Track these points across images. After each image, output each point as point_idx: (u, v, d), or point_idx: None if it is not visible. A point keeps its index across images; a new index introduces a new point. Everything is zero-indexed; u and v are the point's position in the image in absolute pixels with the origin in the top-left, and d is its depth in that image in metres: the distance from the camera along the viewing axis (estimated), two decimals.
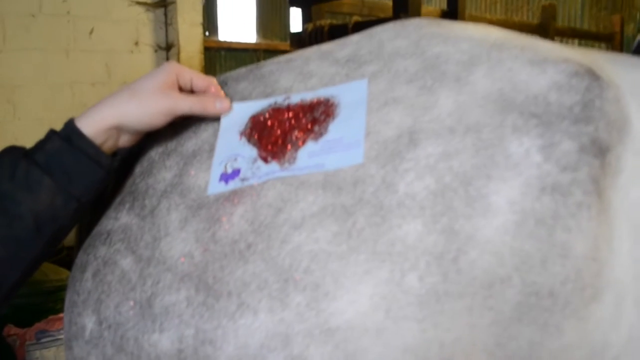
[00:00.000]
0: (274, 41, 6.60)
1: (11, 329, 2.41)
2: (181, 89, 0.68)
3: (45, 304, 2.56)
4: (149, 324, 0.55)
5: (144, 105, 0.64)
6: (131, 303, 0.57)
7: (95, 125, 0.63)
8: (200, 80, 0.68)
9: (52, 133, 0.63)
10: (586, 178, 0.52)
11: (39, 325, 2.43)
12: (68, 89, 4.01)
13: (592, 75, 0.58)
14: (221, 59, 5.97)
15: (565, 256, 0.51)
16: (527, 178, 0.52)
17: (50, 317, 2.46)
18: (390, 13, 3.53)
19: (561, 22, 7.90)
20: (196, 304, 0.54)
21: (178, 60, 4.40)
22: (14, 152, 0.62)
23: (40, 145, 0.62)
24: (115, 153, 0.68)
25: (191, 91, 0.69)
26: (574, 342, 0.53)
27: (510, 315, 0.52)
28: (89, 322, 0.59)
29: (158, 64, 4.45)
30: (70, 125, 0.63)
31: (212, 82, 0.69)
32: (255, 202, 0.58)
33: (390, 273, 0.52)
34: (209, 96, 0.67)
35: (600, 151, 0.54)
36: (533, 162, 0.53)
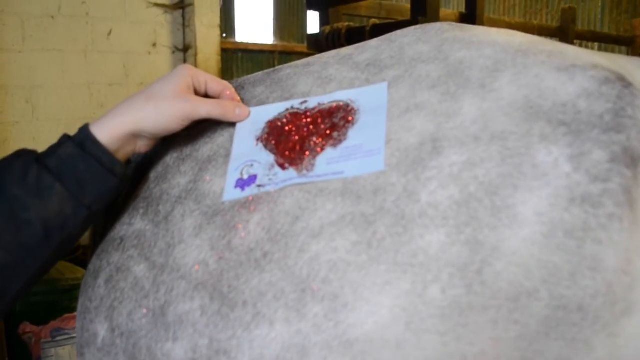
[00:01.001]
0: (291, 43, 6.60)
1: (27, 327, 2.42)
2: (196, 92, 0.66)
3: (60, 302, 2.58)
4: (162, 333, 0.54)
5: (161, 110, 0.62)
6: (144, 311, 0.56)
7: (110, 131, 0.61)
8: (215, 83, 0.67)
9: (65, 138, 0.61)
10: (617, 189, 0.50)
11: (55, 324, 2.44)
12: (86, 90, 4.04)
13: (623, 82, 0.56)
14: (238, 60, 5.98)
15: (595, 269, 0.49)
16: (556, 188, 0.50)
17: (66, 315, 2.47)
18: (408, 16, 3.51)
19: (581, 25, 7.82)
20: (210, 313, 0.53)
21: (195, 61, 4.42)
22: (26, 155, 0.61)
23: (53, 150, 0.61)
24: (129, 160, 0.66)
25: (206, 95, 0.68)
26: (603, 359, 0.51)
27: (537, 330, 0.50)
28: (102, 330, 0.58)
29: (175, 65, 4.47)
30: (84, 131, 0.61)
31: (227, 86, 0.67)
32: (272, 209, 0.56)
33: (411, 284, 0.50)
34: (229, 101, 0.66)
35: (632, 161, 0.51)
36: (562, 172, 0.51)
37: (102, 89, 4.12)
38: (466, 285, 0.50)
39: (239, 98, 0.67)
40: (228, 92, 0.67)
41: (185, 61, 4.49)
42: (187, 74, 0.64)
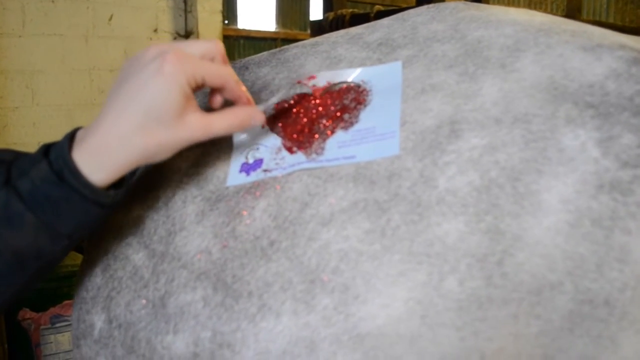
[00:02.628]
0: (294, 30, 6.55)
1: (26, 313, 2.41)
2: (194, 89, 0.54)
3: (60, 289, 2.56)
4: (162, 325, 0.51)
5: (162, 146, 0.50)
6: (143, 301, 0.53)
7: (96, 168, 0.49)
8: (215, 78, 0.53)
9: (42, 154, 0.50)
10: None
11: (54, 310, 2.42)
12: (86, 75, 4.01)
13: None
14: (240, 47, 5.92)
15: (623, 261, 0.46)
16: (583, 174, 0.47)
17: (65, 302, 2.46)
18: (412, 2, 3.47)
19: (586, 15, 7.75)
20: (213, 305, 0.50)
21: None
22: None
23: (27, 167, 0.49)
24: (123, 179, 0.53)
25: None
26: (630, 357, 0.48)
27: (561, 325, 0.47)
28: (98, 321, 0.55)
29: None
30: (62, 157, 0.49)
31: (227, 78, 0.54)
32: (279, 195, 0.53)
33: (427, 276, 0.47)
34: (243, 110, 0.55)
35: None
36: (590, 157, 0.47)
37: (103, 75, 4.08)
38: (485, 277, 0.47)
39: (244, 88, 0.56)
40: (231, 84, 0.54)
41: None
42: (180, 78, 0.49)
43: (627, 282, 0.46)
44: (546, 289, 0.47)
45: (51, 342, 2.42)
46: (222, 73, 0.53)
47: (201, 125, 0.52)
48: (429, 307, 0.46)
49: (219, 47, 0.55)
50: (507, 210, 0.47)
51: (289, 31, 6.48)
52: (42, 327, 2.40)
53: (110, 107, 0.50)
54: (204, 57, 0.53)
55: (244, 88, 0.56)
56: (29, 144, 3.75)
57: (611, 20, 8.09)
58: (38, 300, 2.50)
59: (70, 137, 0.51)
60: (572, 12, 4.59)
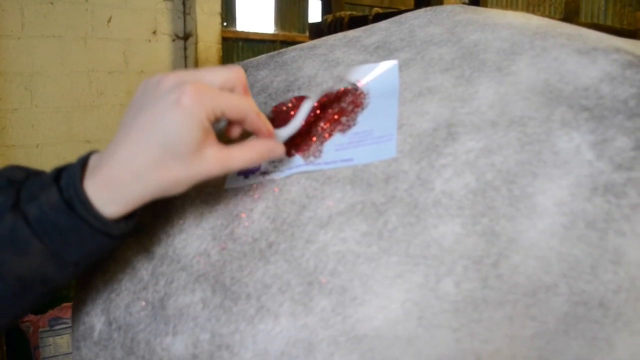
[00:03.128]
0: (292, 33, 6.55)
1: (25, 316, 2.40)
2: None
3: (59, 291, 2.55)
4: (161, 327, 0.52)
5: (179, 182, 0.48)
6: (143, 303, 0.53)
7: (109, 200, 0.47)
8: (235, 111, 0.50)
9: (53, 179, 0.48)
10: None
11: (53, 313, 2.43)
12: (85, 77, 4.02)
13: None
14: (238, 49, 5.93)
15: (618, 263, 0.47)
16: (577, 177, 0.48)
17: (64, 304, 2.46)
18: (411, 5, 3.47)
19: (584, 18, 7.77)
20: (212, 307, 0.50)
21: (195, 50, 4.38)
22: (5, 192, 0.48)
23: (38, 190, 0.48)
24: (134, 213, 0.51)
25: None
26: (625, 358, 0.49)
27: (556, 327, 0.47)
28: (98, 323, 0.56)
29: (176, 53, 4.43)
30: (73, 185, 0.47)
31: (247, 111, 0.51)
32: (277, 198, 0.54)
33: (424, 277, 0.47)
34: (264, 143, 0.52)
35: None
36: (584, 160, 0.48)
37: (102, 77, 4.09)
38: (481, 278, 0.47)
39: (264, 118, 0.53)
40: (253, 118, 0.51)
41: (185, 49, 4.45)
42: (198, 112, 0.47)
43: (621, 284, 0.47)
44: (541, 291, 0.47)
45: (50, 345, 2.42)
46: (242, 106, 0.50)
47: (219, 161, 0.49)
48: (425, 309, 0.47)
49: (239, 76, 0.52)
50: (502, 212, 0.48)
51: (287, 33, 6.49)
52: (40, 329, 2.40)
53: (125, 138, 0.48)
54: (224, 86, 0.51)
55: (264, 119, 0.52)
56: (28, 145, 3.75)
57: (609, 22, 8.11)
58: None
59: (83, 164, 0.49)
60: (570, 14, 4.60)
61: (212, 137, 0.49)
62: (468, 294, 0.47)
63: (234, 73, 0.52)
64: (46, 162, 3.82)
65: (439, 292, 0.47)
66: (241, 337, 0.49)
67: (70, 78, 3.96)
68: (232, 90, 0.52)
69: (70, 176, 0.47)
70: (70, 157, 3.91)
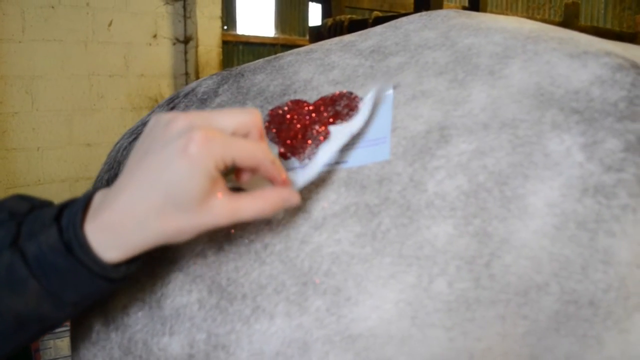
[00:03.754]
0: (292, 36, 6.57)
1: None
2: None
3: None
4: (158, 327, 0.52)
5: (184, 232, 0.46)
6: (140, 304, 0.54)
7: (112, 250, 0.45)
8: (248, 159, 0.47)
9: (54, 217, 0.47)
10: (632, 179, 0.48)
11: None
12: (86, 81, 4.03)
13: (637, 69, 0.54)
14: (239, 53, 5.94)
15: (608, 262, 0.47)
16: (568, 178, 0.48)
17: None
18: (411, 9, 3.49)
19: (584, 20, 7.78)
20: (209, 307, 0.51)
21: (196, 53, 4.39)
22: (6, 226, 0.47)
23: (38, 227, 0.46)
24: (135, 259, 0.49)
25: None
26: (615, 356, 0.49)
27: (547, 325, 0.48)
28: (96, 323, 0.56)
29: (176, 57, 4.45)
30: (74, 227, 0.45)
31: (261, 159, 0.48)
32: None
33: (417, 278, 0.48)
34: (277, 193, 0.49)
35: None
36: (574, 162, 0.49)
37: (102, 80, 4.10)
38: (474, 278, 0.48)
39: (279, 164, 0.49)
40: (267, 167, 0.48)
41: (186, 53, 4.46)
42: (206, 162, 0.44)
43: (611, 283, 0.48)
44: (533, 290, 0.48)
45: (50, 348, 2.42)
46: (256, 154, 0.47)
47: (227, 212, 0.46)
48: (418, 309, 0.48)
49: (255, 119, 0.49)
50: (494, 213, 0.48)
51: (288, 37, 6.51)
52: None
53: (128, 181, 0.45)
54: (238, 131, 0.48)
55: (279, 166, 0.49)
56: (29, 148, 3.76)
57: (609, 25, 8.12)
58: None
59: (86, 203, 0.47)
60: (570, 18, 4.61)
61: (221, 186, 0.46)
62: (461, 293, 0.48)
63: (249, 116, 0.48)
64: (47, 165, 3.83)
65: (432, 292, 0.48)
66: (237, 337, 0.50)
67: (71, 81, 3.97)
68: (246, 135, 0.49)
69: (72, 216, 0.46)
70: (71, 160, 3.92)
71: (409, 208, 0.50)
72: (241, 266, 0.52)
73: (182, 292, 0.52)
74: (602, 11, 8.41)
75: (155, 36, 4.31)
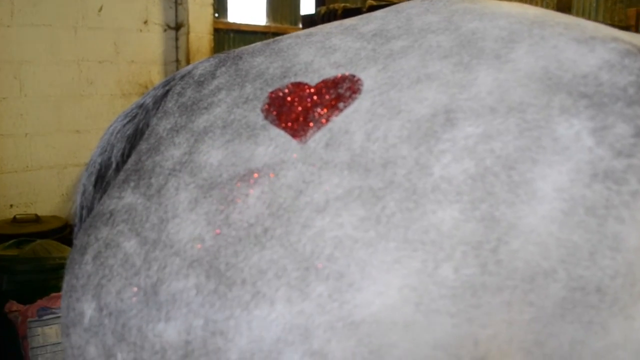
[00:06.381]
0: (284, 24, 6.52)
1: (13, 305, 2.39)
2: None
3: (47, 281, 2.54)
4: (153, 313, 0.51)
5: None
6: (134, 289, 0.52)
7: None
8: None
9: None
10: None
11: (41, 302, 2.40)
12: (75, 66, 3.97)
13: None
14: (230, 41, 5.89)
15: (616, 249, 0.47)
16: (577, 163, 0.47)
17: (52, 294, 2.44)
18: None
19: (575, 14, 7.79)
20: (206, 292, 0.50)
21: (187, 40, 4.34)
22: None
23: None
24: None
25: None
26: (619, 342, 0.48)
27: (553, 312, 0.47)
28: (88, 309, 0.55)
29: (167, 43, 4.40)
30: None
31: None
32: (273, 183, 0.53)
33: (422, 263, 0.47)
34: None
35: None
36: (584, 146, 0.48)
37: (92, 66, 4.05)
38: (480, 264, 0.47)
39: None
40: None
41: (177, 40, 4.42)
42: None
43: (618, 270, 0.47)
44: (540, 277, 0.47)
45: (38, 335, 2.40)
46: None
47: None
48: (423, 295, 0.47)
49: None
50: (502, 198, 0.47)
51: (279, 25, 6.46)
52: (29, 319, 2.38)
53: None
54: None
55: None
56: (17, 134, 3.72)
57: (600, 19, 8.13)
58: (25, 292, 2.48)
59: None
60: (562, 10, 4.61)
61: None
62: (467, 279, 0.47)
63: None
64: (35, 151, 3.79)
65: (437, 278, 0.47)
66: (236, 323, 0.48)
67: (60, 67, 3.92)
68: None
69: None
70: (59, 147, 3.88)
71: (415, 192, 0.48)
72: (240, 250, 0.50)
73: (178, 277, 0.51)
74: (594, 4, 8.42)
75: (146, 22, 4.26)
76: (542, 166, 0.48)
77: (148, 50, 4.31)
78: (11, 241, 2.84)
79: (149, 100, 0.70)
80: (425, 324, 0.46)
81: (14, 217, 3.42)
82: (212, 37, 4.49)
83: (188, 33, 4.33)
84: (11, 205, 3.70)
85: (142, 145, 0.64)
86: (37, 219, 3.39)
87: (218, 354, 0.49)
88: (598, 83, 0.51)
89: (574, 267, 0.47)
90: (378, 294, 0.47)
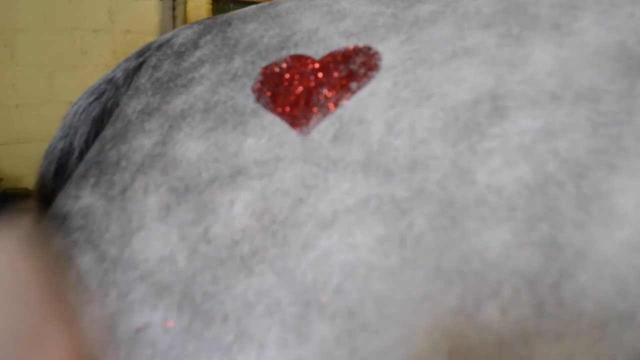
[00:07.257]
0: None
1: None
2: None
3: None
4: (109, 354, 0.40)
5: None
6: (87, 321, 0.41)
7: None
8: None
9: None
10: None
11: None
12: (68, 35, 3.88)
13: None
14: (229, 11, 5.76)
15: None
16: None
17: None
18: None
19: None
20: (178, 330, 0.39)
21: (184, 10, 4.23)
22: None
23: None
24: None
25: None
26: None
27: None
28: None
29: (163, 13, 4.29)
30: None
31: None
32: (265, 187, 0.42)
33: (460, 300, 0.36)
34: None
35: None
36: None
37: (86, 35, 3.96)
38: (536, 304, 0.36)
39: None
40: None
41: (174, 9, 4.30)
42: None
43: None
44: (613, 323, 0.36)
45: None
46: None
47: None
48: (460, 342, 0.36)
49: None
50: (568, 216, 0.36)
51: None
52: None
53: None
54: None
55: None
56: (8, 105, 3.62)
57: None
58: None
59: None
60: None
61: None
62: (517, 324, 0.36)
63: None
64: (26, 123, 3.69)
65: (479, 321, 0.36)
66: None
67: (53, 35, 3.82)
68: None
69: None
70: (51, 118, 3.77)
71: (452, 205, 0.37)
72: (222, 276, 0.39)
73: (142, 309, 0.40)
74: None
75: None
76: (622, 175, 0.36)
77: (144, 20, 4.21)
78: None
79: (119, 75, 0.59)
80: None
81: (4, 191, 3.34)
82: (210, 6, 4.37)
83: (186, 2, 4.22)
84: (1, 179, 3.63)
85: (107, 131, 0.52)
86: (27, 193, 3.30)
87: None
88: None
89: None
90: (400, 339, 0.36)
